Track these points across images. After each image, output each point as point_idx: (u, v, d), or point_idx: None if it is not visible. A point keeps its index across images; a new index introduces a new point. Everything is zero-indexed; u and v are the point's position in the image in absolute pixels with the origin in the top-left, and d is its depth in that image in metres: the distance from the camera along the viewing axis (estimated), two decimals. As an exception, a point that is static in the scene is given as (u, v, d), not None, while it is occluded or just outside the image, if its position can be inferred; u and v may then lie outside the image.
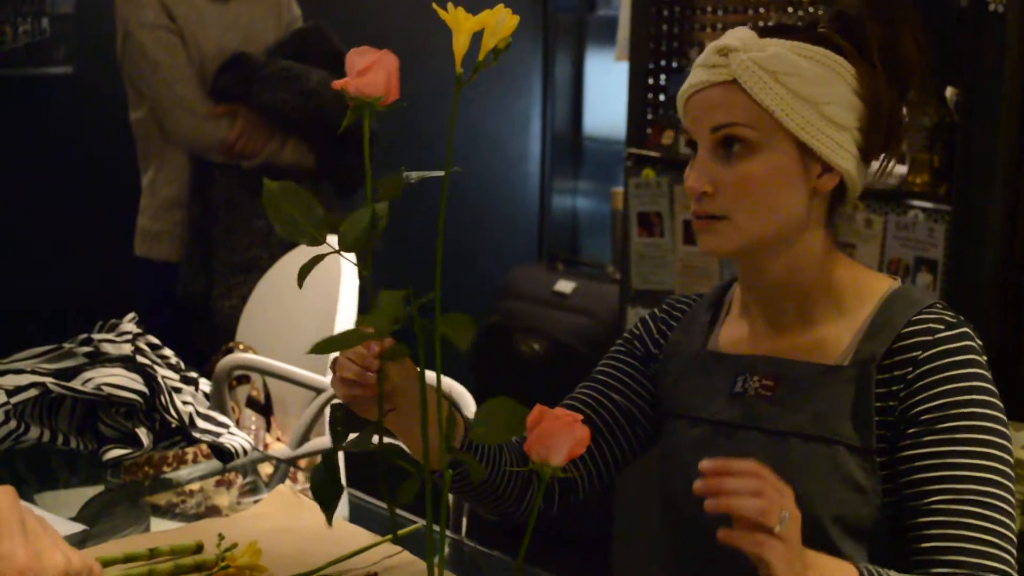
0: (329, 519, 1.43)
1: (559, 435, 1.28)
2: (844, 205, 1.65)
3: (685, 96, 1.62)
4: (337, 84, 1.26)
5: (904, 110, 1.63)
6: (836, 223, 1.66)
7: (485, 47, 1.19)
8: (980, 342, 1.58)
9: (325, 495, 1.41)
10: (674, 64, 3.48)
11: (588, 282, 4.03)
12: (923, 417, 1.54)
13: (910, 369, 1.55)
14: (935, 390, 1.54)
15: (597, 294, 3.93)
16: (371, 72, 1.25)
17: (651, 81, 3.47)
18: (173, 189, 3.40)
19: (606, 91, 4.96)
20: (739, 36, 1.59)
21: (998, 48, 2.64)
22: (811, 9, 3.37)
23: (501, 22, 1.17)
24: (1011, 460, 1.53)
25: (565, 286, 3.99)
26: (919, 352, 1.55)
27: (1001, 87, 2.65)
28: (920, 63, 1.60)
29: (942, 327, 1.56)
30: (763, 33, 1.60)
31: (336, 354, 1.51)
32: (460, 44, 1.18)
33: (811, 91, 1.55)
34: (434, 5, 1.21)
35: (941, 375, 1.54)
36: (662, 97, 3.46)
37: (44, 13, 3.84)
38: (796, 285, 1.63)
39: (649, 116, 3.44)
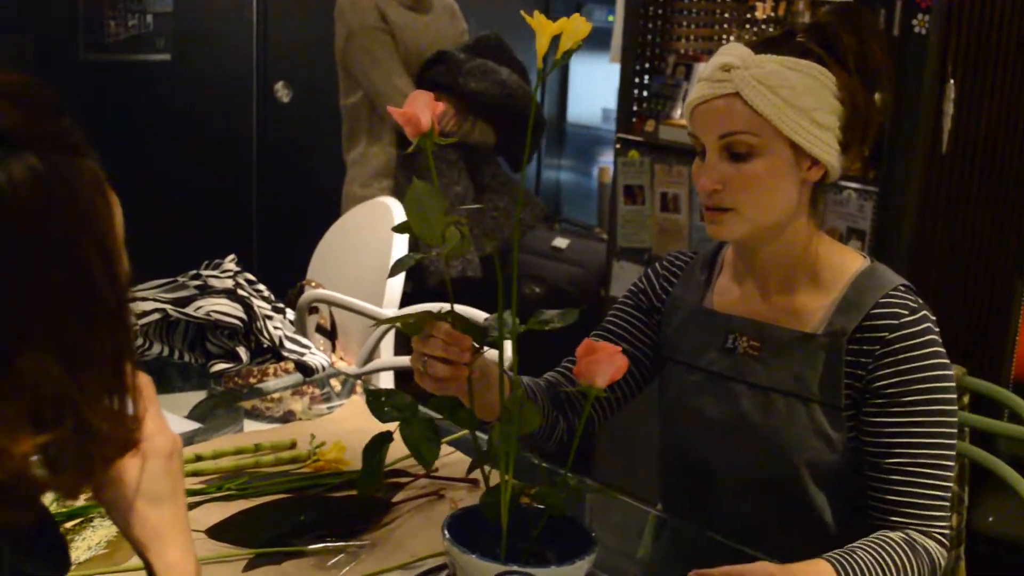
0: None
1: (604, 363, 1.25)
2: (825, 189, 1.57)
3: (692, 107, 1.51)
4: None
5: (878, 100, 1.54)
6: (820, 207, 1.57)
7: (562, 47, 1.14)
8: (936, 327, 1.51)
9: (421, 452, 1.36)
10: (657, 65, 3.44)
11: (579, 239, 3.99)
12: (888, 391, 1.48)
13: (878, 347, 1.48)
14: (899, 367, 1.47)
15: (587, 249, 3.89)
16: None
17: (637, 80, 3.42)
18: (381, 161, 3.30)
19: (586, 88, 4.94)
20: (737, 54, 1.48)
21: (920, 63, 2.61)
22: (764, 27, 3.33)
23: (576, 28, 1.13)
24: (955, 423, 1.48)
25: (561, 242, 3.93)
26: (886, 333, 1.48)
27: (921, 94, 2.63)
28: (886, 67, 1.52)
29: (906, 312, 1.49)
30: (756, 49, 1.50)
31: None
32: (542, 45, 1.14)
33: (802, 100, 1.46)
34: (522, 12, 1.17)
35: (905, 355, 1.47)
36: (646, 93, 3.42)
37: (147, 11, 3.78)
38: (784, 260, 1.56)
39: (635, 108, 3.40)
